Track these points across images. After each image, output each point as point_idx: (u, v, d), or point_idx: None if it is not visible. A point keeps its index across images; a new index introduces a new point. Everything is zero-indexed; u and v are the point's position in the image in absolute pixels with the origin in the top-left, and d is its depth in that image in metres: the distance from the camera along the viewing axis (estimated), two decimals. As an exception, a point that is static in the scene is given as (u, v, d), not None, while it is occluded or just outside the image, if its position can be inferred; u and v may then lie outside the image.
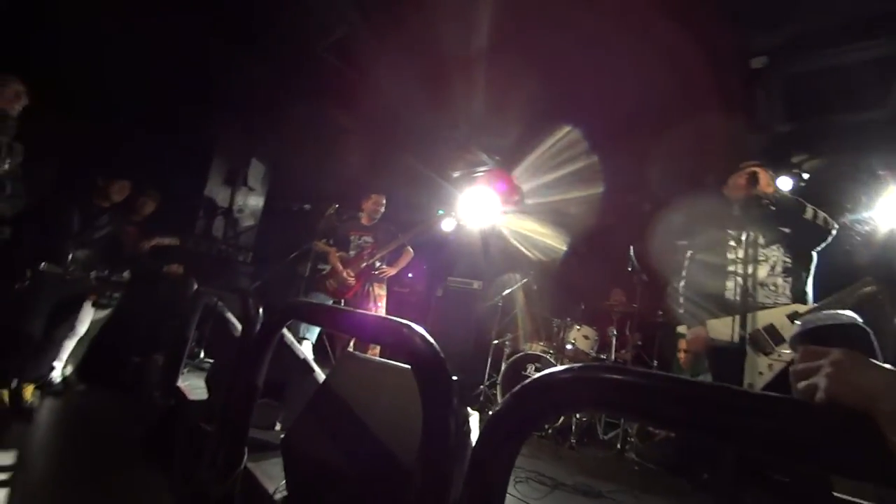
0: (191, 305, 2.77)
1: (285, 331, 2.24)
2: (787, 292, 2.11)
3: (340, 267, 3.76)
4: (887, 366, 0.54)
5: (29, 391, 2.72)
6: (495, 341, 4.61)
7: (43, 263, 2.82)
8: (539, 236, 5.52)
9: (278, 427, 2.26)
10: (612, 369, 0.67)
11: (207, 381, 2.47)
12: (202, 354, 3.49)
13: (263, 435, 2.10)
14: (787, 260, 2.15)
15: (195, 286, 2.90)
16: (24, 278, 2.78)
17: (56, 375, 3.05)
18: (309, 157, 5.33)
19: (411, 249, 4.00)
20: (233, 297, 2.86)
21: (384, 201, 4.00)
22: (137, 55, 3.94)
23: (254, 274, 4.46)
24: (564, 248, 5.38)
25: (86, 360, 3.32)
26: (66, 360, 3.15)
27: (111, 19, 3.58)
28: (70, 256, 2.93)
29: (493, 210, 5.09)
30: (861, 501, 2.80)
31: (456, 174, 5.68)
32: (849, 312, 0.67)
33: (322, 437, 1.37)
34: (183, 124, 4.55)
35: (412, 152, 5.13)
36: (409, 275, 5.92)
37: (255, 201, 5.24)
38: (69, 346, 3.09)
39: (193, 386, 2.74)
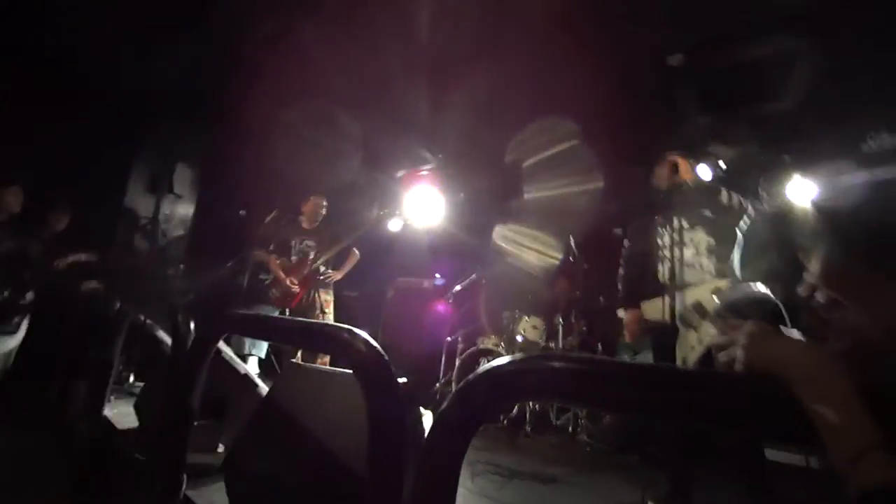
0: (115, 326, 2.53)
1: (223, 345, 2.11)
2: (712, 270, 2.28)
3: (283, 275, 3.59)
4: (795, 334, 0.58)
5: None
6: (448, 338, 4.63)
7: None
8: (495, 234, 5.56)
9: (221, 449, 2.13)
10: (549, 357, 0.68)
11: (137, 407, 2.28)
12: (131, 378, 3.22)
13: (205, 459, 1.97)
14: (711, 240, 2.33)
15: (118, 304, 2.66)
16: None
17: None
18: (242, 160, 5.05)
19: (357, 251, 3.90)
20: (163, 313, 2.66)
21: (324, 203, 3.86)
22: (49, 46, 3.57)
23: (186, 288, 4.17)
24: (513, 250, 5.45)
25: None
26: None
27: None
28: None
29: (438, 208, 5.09)
30: (789, 459, 3.09)
31: (400, 174, 5.63)
32: (761, 287, 0.73)
33: (268, 454, 1.29)
34: (97, 125, 4.15)
35: (354, 151, 5.01)
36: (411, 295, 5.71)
37: (184, 209, 4.89)
38: None
39: (123, 413, 2.52)
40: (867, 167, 3.27)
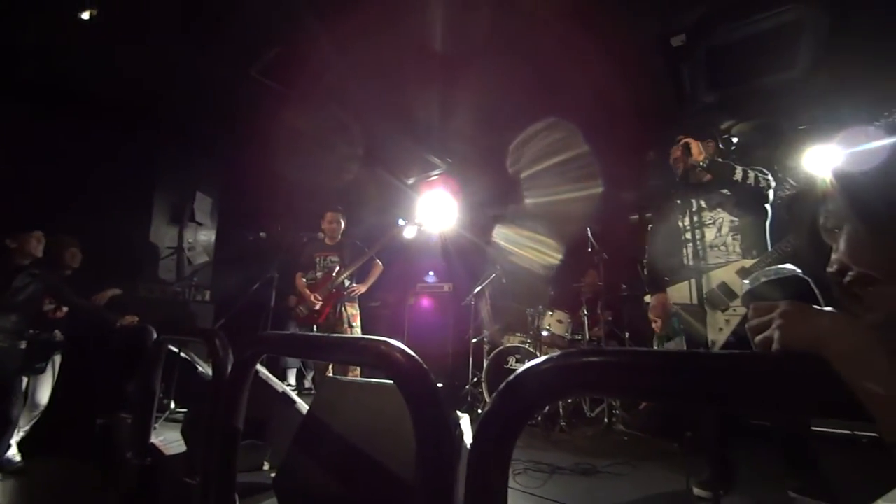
0: (153, 356, 2.61)
1: (259, 365, 2.17)
2: (738, 249, 2.24)
3: (308, 292, 3.66)
4: (829, 310, 0.58)
5: (-17, 475, 2.50)
6: (473, 340, 4.64)
7: None
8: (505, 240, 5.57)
9: (266, 467, 2.19)
10: (587, 353, 0.69)
11: (183, 433, 2.35)
12: (172, 405, 3.32)
13: (252, 478, 2.03)
14: (734, 219, 2.28)
15: (154, 335, 2.75)
16: None
17: (14, 454, 2.82)
18: (257, 182, 5.17)
19: (380, 263, 3.93)
20: (198, 340, 2.74)
21: (341, 218, 3.91)
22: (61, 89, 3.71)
23: (216, 313, 4.28)
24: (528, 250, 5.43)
25: (31, 430, 3.09)
26: None
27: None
28: None
29: (451, 212, 5.12)
30: (835, 431, 3.03)
31: (410, 180, 5.69)
32: (789, 266, 0.73)
33: (316, 469, 1.33)
34: (118, 162, 4.31)
35: (367, 162, 5.08)
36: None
37: (206, 236, 5.03)
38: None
39: (169, 440, 2.60)
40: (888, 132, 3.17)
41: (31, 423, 3.08)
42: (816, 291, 0.63)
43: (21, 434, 2.99)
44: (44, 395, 3.08)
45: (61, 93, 3.87)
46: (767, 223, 2.30)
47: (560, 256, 5.17)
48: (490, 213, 5.65)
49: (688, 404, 2.06)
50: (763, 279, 0.72)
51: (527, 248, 5.37)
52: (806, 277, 0.63)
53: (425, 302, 5.73)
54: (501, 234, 5.56)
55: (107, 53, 3.50)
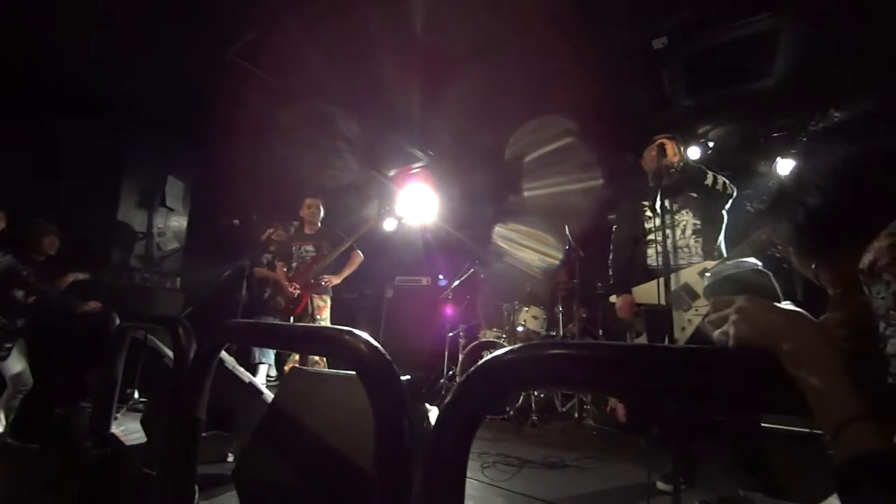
0: (115, 343, 2.52)
1: (225, 355, 2.11)
2: (699, 251, 2.30)
3: (286, 283, 3.58)
4: (787, 306, 0.59)
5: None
6: (450, 334, 4.65)
7: None
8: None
9: (231, 458, 2.14)
10: (546, 346, 0.69)
11: (143, 423, 2.28)
12: (136, 395, 3.22)
13: (216, 469, 1.99)
14: (697, 222, 2.35)
15: (117, 321, 2.65)
16: None
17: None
18: (232, 168, 5.03)
19: (360, 253, 3.84)
20: (161, 327, 2.65)
21: (320, 205, 3.83)
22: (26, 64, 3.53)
23: (186, 301, 4.15)
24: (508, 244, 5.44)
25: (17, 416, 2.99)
26: None
27: None
28: None
29: (431, 206, 5.10)
30: (789, 427, 3.14)
31: (391, 173, 5.63)
32: (751, 259, 0.73)
33: (277, 460, 1.30)
34: (85, 143, 4.13)
35: (346, 152, 5.00)
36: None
37: (178, 222, 4.87)
38: None
39: (130, 430, 2.52)
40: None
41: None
42: (776, 285, 0.63)
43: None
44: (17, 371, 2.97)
45: (24, 75, 3.69)
46: (723, 227, 2.38)
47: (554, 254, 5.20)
48: (470, 208, 5.64)
49: (643, 397, 2.12)
50: (723, 273, 0.73)
51: (508, 243, 5.39)
52: (766, 270, 0.64)
53: (403, 295, 5.70)
54: (481, 230, 5.57)
55: (73, 38, 3.35)
